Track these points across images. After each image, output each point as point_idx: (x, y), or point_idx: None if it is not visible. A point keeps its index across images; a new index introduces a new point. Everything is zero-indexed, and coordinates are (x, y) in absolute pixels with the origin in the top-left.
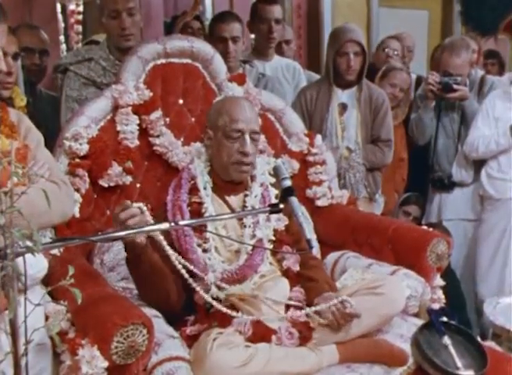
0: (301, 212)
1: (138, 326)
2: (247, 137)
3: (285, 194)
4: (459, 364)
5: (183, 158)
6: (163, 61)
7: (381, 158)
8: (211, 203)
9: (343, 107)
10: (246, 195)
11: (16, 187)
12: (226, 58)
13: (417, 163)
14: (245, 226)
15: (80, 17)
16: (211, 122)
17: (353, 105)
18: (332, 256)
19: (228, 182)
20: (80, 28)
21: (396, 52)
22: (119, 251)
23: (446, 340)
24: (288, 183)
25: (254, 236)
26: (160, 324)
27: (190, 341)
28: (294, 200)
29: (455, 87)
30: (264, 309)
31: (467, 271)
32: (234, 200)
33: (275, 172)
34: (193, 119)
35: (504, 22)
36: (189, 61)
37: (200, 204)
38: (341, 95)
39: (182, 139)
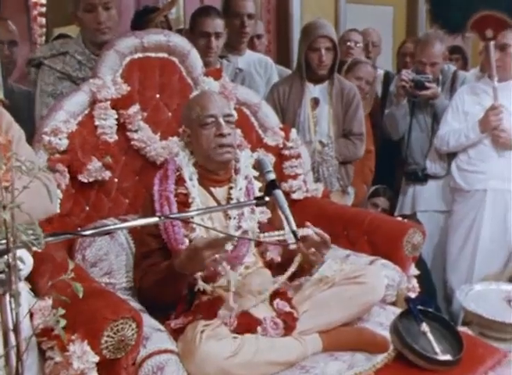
0: (286, 204)
1: (128, 321)
2: (221, 120)
3: (270, 187)
4: (437, 349)
5: (161, 152)
6: (140, 55)
7: (353, 151)
8: (197, 194)
9: (316, 102)
10: (231, 188)
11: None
12: (208, 53)
13: (387, 156)
14: (230, 218)
15: (44, 9)
16: (186, 120)
17: (325, 100)
18: None
19: (213, 173)
20: (43, 21)
21: (357, 45)
22: (100, 247)
23: (424, 327)
24: (272, 176)
25: (239, 227)
26: (146, 318)
27: (175, 334)
28: (279, 193)
29: (427, 84)
30: (251, 300)
31: (438, 261)
32: (219, 192)
33: (259, 165)
34: (169, 114)
35: (471, 20)
36: (165, 55)
37: (187, 195)
38: (313, 90)
39: (159, 134)
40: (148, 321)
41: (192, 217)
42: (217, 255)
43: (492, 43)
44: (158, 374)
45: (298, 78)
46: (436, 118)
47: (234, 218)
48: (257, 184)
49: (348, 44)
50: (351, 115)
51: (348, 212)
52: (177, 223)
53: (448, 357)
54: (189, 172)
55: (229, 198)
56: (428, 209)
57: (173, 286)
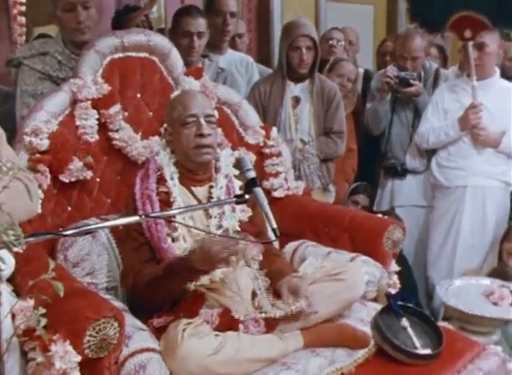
0: (266, 202)
1: (110, 320)
2: (202, 120)
3: (250, 185)
4: (417, 344)
5: (142, 152)
6: (120, 55)
7: (334, 149)
8: (178, 193)
9: (296, 100)
10: (211, 187)
11: None
12: (190, 53)
13: (367, 152)
14: (211, 217)
15: (23, 8)
16: (168, 118)
17: (306, 98)
18: (290, 246)
19: (193, 173)
20: (23, 19)
21: (340, 43)
22: (82, 247)
23: (404, 322)
24: (252, 174)
25: (220, 226)
26: (128, 317)
27: (158, 333)
28: (259, 191)
29: (411, 82)
30: (233, 298)
31: (419, 257)
32: (200, 191)
33: (239, 163)
34: (151, 114)
35: (450, 20)
36: (146, 55)
37: (168, 193)
38: (294, 89)
39: (140, 133)
40: (130, 320)
41: (174, 216)
42: (226, 253)
43: (470, 43)
44: (140, 373)
45: (279, 77)
46: (418, 114)
47: (215, 217)
48: (238, 183)
49: (330, 42)
50: (332, 113)
51: (329, 209)
52: (160, 222)
53: (428, 351)
54: (170, 171)
55: (209, 197)
56: (407, 204)
57: (170, 284)
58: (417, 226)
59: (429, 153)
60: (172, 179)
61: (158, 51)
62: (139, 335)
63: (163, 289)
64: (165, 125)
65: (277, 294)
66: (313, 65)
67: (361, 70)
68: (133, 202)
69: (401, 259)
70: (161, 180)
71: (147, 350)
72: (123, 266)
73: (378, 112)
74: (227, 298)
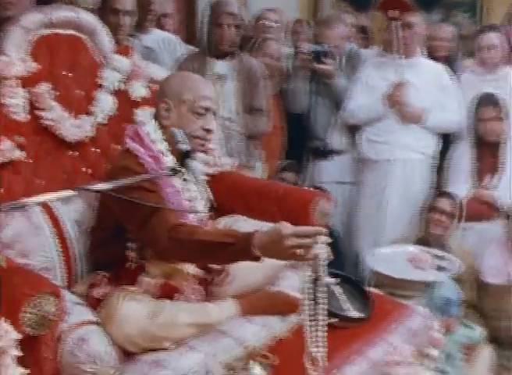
0: (201, 173)
1: (48, 296)
2: (212, 116)
3: (184, 157)
4: (348, 308)
5: (74, 131)
6: (48, 31)
7: (259, 126)
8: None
9: (221, 78)
10: None
11: None
12: (118, 30)
13: (296, 131)
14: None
15: None
16: (173, 93)
17: (230, 76)
18: (220, 221)
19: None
20: None
21: (273, 24)
22: (15, 228)
23: (335, 288)
24: (187, 147)
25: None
26: (65, 293)
27: (98, 303)
28: (193, 163)
29: (323, 60)
30: (173, 267)
31: (346, 230)
32: None
33: (173, 136)
34: (81, 92)
35: (378, 1)
36: (74, 32)
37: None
38: (219, 66)
39: (71, 112)
40: (68, 296)
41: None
42: (298, 250)
43: (397, 23)
44: (82, 346)
45: (203, 55)
46: (336, 96)
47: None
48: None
49: (263, 22)
50: (257, 91)
51: (261, 184)
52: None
53: (358, 314)
54: (164, 147)
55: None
56: (332, 181)
57: (214, 255)
58: (343, 201)
59: (352, 132)
60: (166, 156)
61: (86, 28)
62: (77, 310)
63: (206, 254)
64: (164, 97)
65: None
66: (237, 42)
67: (289, 50)
68: (138, 167)
69: (331, 232)
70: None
71: (87, 323)
72: (150, 221)
73: (298, 89)
74: (167, 267)
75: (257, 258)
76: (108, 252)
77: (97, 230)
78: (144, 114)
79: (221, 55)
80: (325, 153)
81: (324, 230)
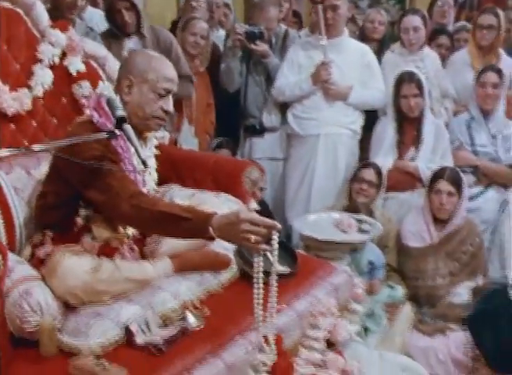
0: (135, 137)
1: None
2: (171, 97)
3: (119, 122)
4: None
5: (12, 104)
6: None
7: (183, 91)
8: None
9: None
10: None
11: None
12: (72, 10)
13: (230, 109)
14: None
15: None
16: (137, 71)
17: None
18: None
19: (137, 130)
20: None
21: (201, 4)
22: None
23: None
24: (122, 113)
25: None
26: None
27: (42, 265)
28: (128, 127)
29: (257, 42)
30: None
31: (277, 203)
32: None
33: (109, 104)
34: (18, 66)
35: None
36: (9, 5)
37: None
38: (128, 44)
39: (8, 86)
40: (12, 256)
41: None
42: (253, 237)
43: (320, 6)
44: (27, 299)
45: (113, 35)
46: (269, 75)
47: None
48: None
49: (192, 3)
50: (174, 59)
51: (194, 155)
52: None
53: (285, 269)
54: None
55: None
56: (264, 157)
57: (174, 228)
58: (276, 176)
59: (284, 110)
60: None
61: (21, 2)
62: (20, 267)
63: (163, 225)
64: (127, 74)
65: None
66: (137, 23)
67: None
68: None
69: (262, 205)
70: None
71: (30, 279)
72: (113, 188)
73: (230, 68)
74: (111, 232)
75: (211, 238)
76: (57, 216)
77: (50, 195)
78: (86, 87)
79: (128, 34)
80: (259, 130)
81: (279, 225)
